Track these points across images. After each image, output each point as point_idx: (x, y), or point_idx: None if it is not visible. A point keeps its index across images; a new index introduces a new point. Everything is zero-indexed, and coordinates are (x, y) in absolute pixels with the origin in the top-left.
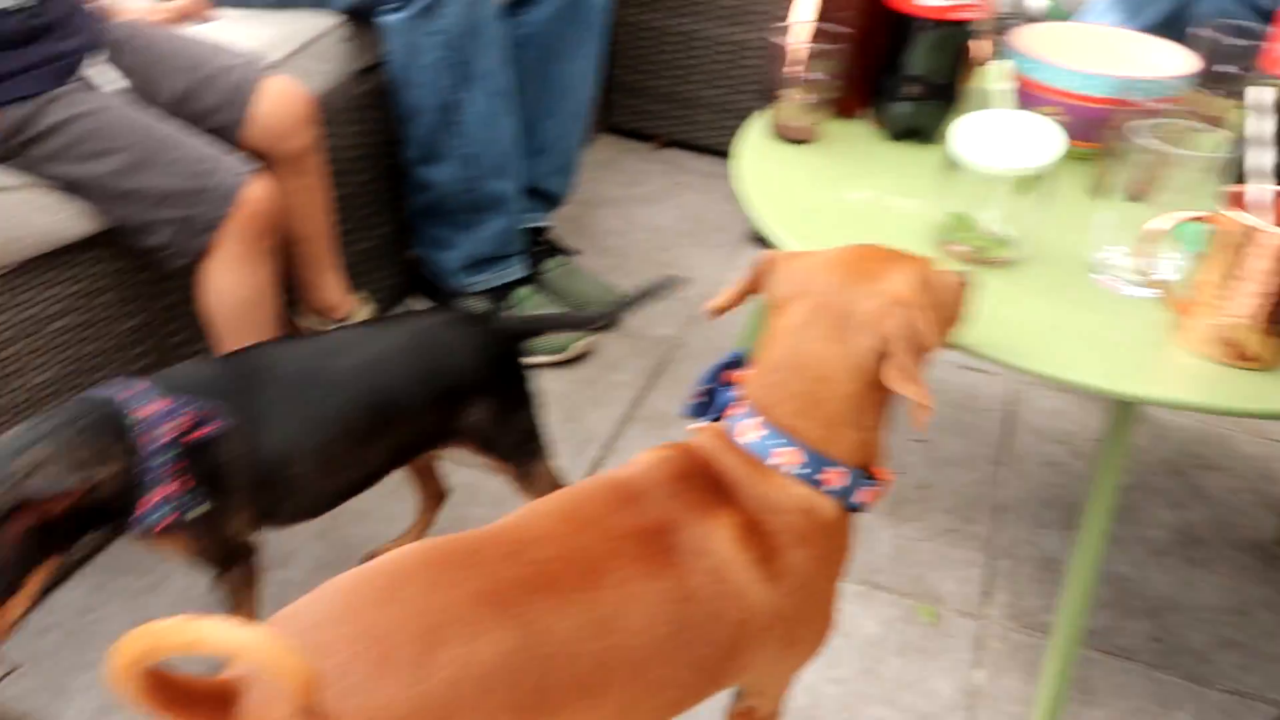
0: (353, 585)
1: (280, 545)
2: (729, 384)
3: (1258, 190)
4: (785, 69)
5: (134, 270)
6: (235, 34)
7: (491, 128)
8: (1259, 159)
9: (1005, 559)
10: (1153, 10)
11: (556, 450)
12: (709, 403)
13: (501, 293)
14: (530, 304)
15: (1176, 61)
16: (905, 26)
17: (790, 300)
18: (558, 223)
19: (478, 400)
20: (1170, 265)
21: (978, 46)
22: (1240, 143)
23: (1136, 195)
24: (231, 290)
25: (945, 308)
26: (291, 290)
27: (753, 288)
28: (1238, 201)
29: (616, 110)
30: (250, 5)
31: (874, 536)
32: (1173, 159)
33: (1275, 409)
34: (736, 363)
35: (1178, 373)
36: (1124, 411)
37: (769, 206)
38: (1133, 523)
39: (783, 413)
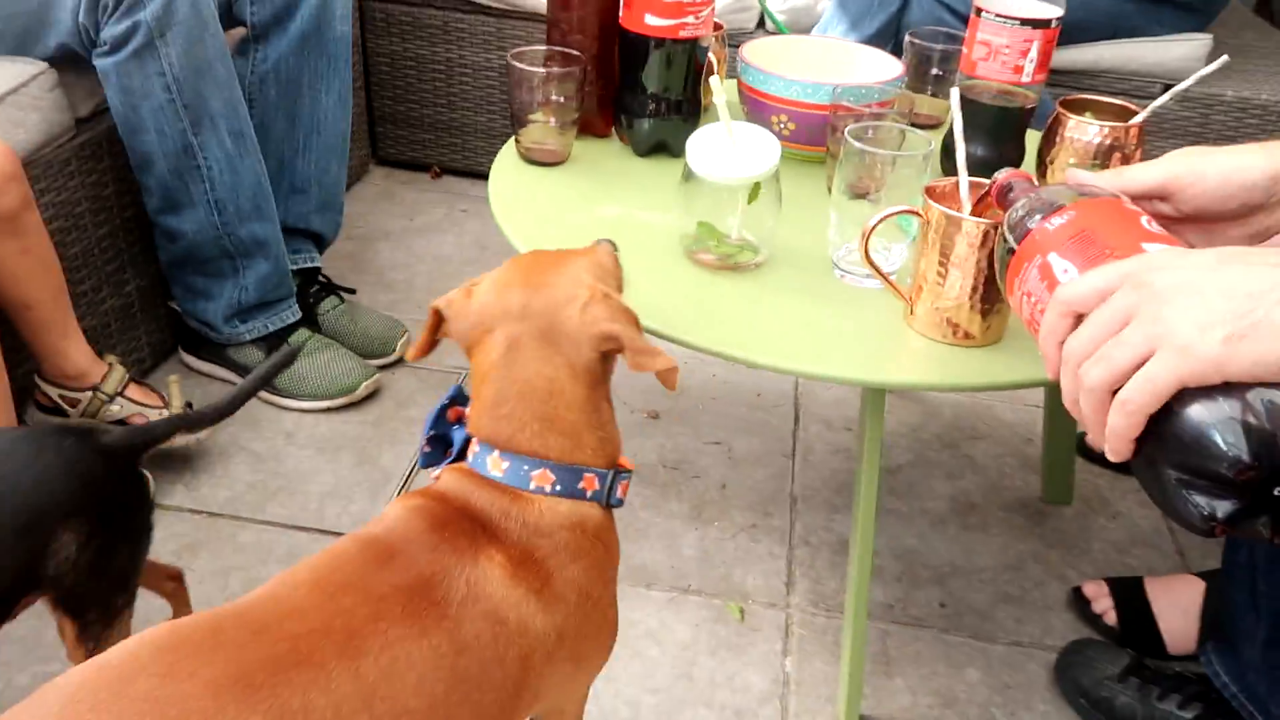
0: (76, 685)
1: (44, 639)
2: (458, 421)
3: (961, 182)
4: (528, 93)
5: None
6: None
7: (236, 170)
8: (959, 153)
9: (803, 547)
10: (871, 23)
11: (353, 495)
12: (443, 446)
13: (276, 339)
14: (309, 348)
15: (887, 68)
16: (637, 45)
17: (483, 335)
18: (335, 261)
19: (66, 536)
20: (898, 255)
21: (709, 61)
22: (947, 139)
23: (860, 194)
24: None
25: (618, 281)
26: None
27: (439, 332)
28: (939, 195)
29: (386, 142)
30: None
31: (680, 541)
32: (883, 159)
33: (994, 380)
34: (459, 398)
35: (911, 357)
36: (874, 398)
37: (522, 230)
38: (914, 497)
39: (523, 440)
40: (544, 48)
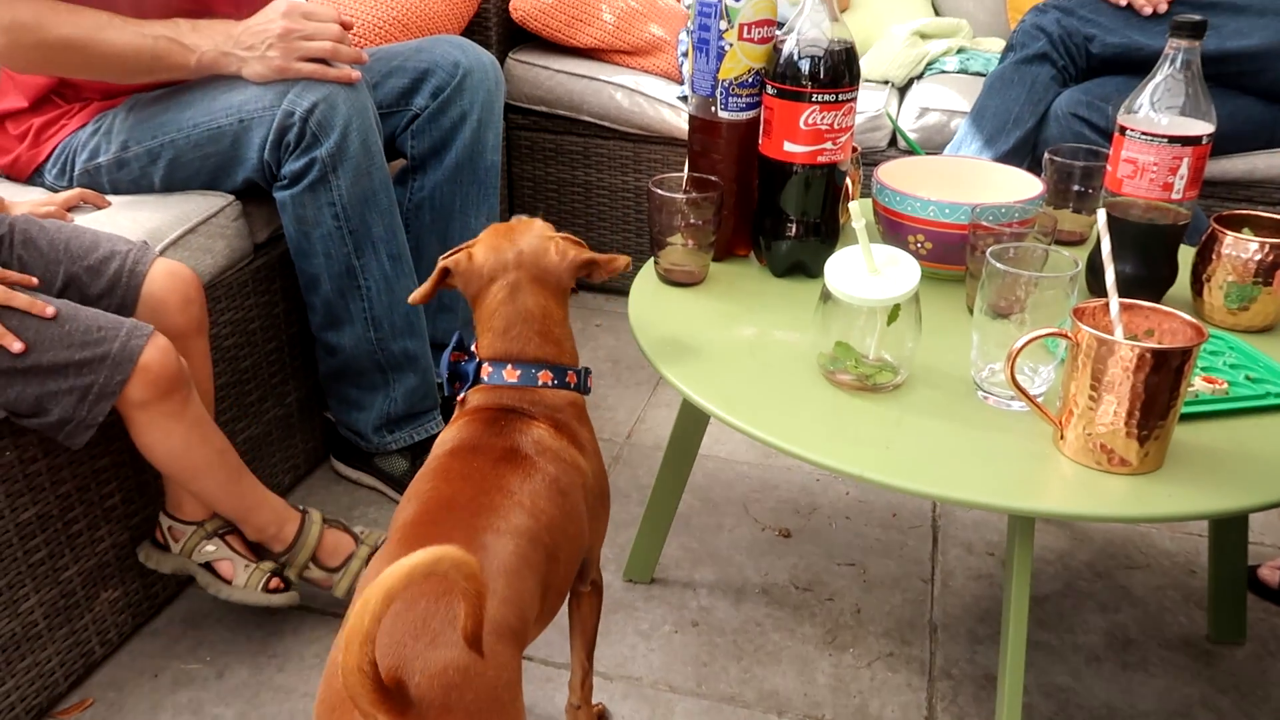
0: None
1: None
2: (462, 359)
3: (1111, 303)
4: (668, 218)
5: (25, 461)
6: (127, 220)
7: (392, 290)
8: (1108, 274)
9: (945, 680)
10: (1006, 140)
11: None
12: (459, 380)
13: (420, 449)
14: None
15: (1026, 186)
16: (776, 171)
17: (488, 284)
18: None
19: None
20: (1045, 378)
21: (847, 183)
22: (1092, 257)
23: (1002, 314)
24: (157, 445)
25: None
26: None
27: (442, 283)
28: (1088, 316)
29: None
30: (142, 191)
31: (812, 667)
32: (1026, 279)
33: (1155, 512)
34: (459, 345)
35: (1062, 483)
36: (1023, 525)
37: (659, 348)
38: (1065, 630)
39: (528, 352)
40: (683, 174)
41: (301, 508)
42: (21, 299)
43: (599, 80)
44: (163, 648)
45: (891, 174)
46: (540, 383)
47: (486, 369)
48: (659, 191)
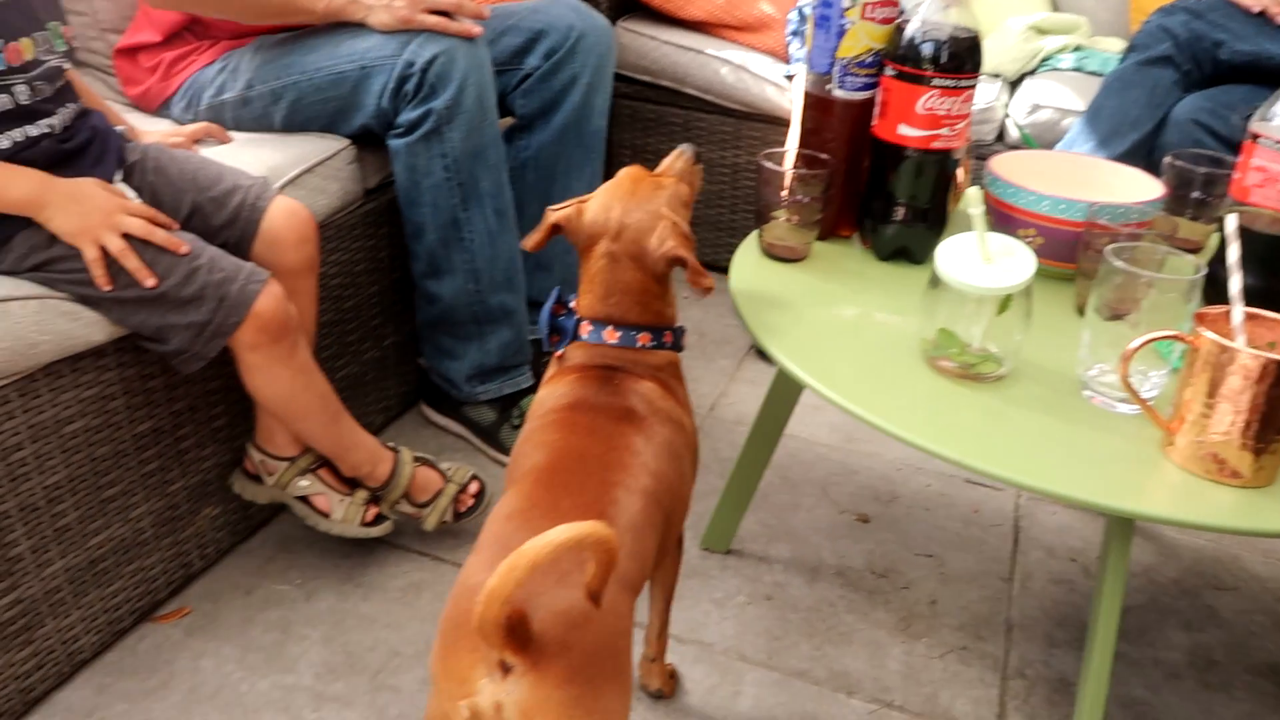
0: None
1: (286, 650)
2: (562, 314)
3: (1235, 312)
4: (775, 192)
5: (145, 377)
6: (248, 156)
7: (494, 244)
8: (1234, 282)
9: (1018, 679)
10: (1121, 142)
11: None
12: (560, 335)
13: (509, 402)
14: None
15: (1144, 188)
16: (888, 154)
17: (591, 245)
18: None
19: None
20: (1155, 382)
21: (958, 172)
22: (1213, 265)
23: (1116, 314)
24: (264, 388)
25: (692, 195)
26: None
27: (553, 232)
28: (1209, 322)
29: None
30: (263, 130)
31: (883, 652)
32: (1147, 281)
33: (1266, 526)
34: (560, 300)
35: (1167, 489)
36: (1121, 528)
37: (762, 322)
38: (1146, 644)
39: (628, 318)
40: (796, 149)
41: (392, 445)
42: (160, 235)
43: (705, 54)
44: (256, 567)
45: (1005, 166)
46: (639, 344)
47: (586, 327)
48: (769, 165)
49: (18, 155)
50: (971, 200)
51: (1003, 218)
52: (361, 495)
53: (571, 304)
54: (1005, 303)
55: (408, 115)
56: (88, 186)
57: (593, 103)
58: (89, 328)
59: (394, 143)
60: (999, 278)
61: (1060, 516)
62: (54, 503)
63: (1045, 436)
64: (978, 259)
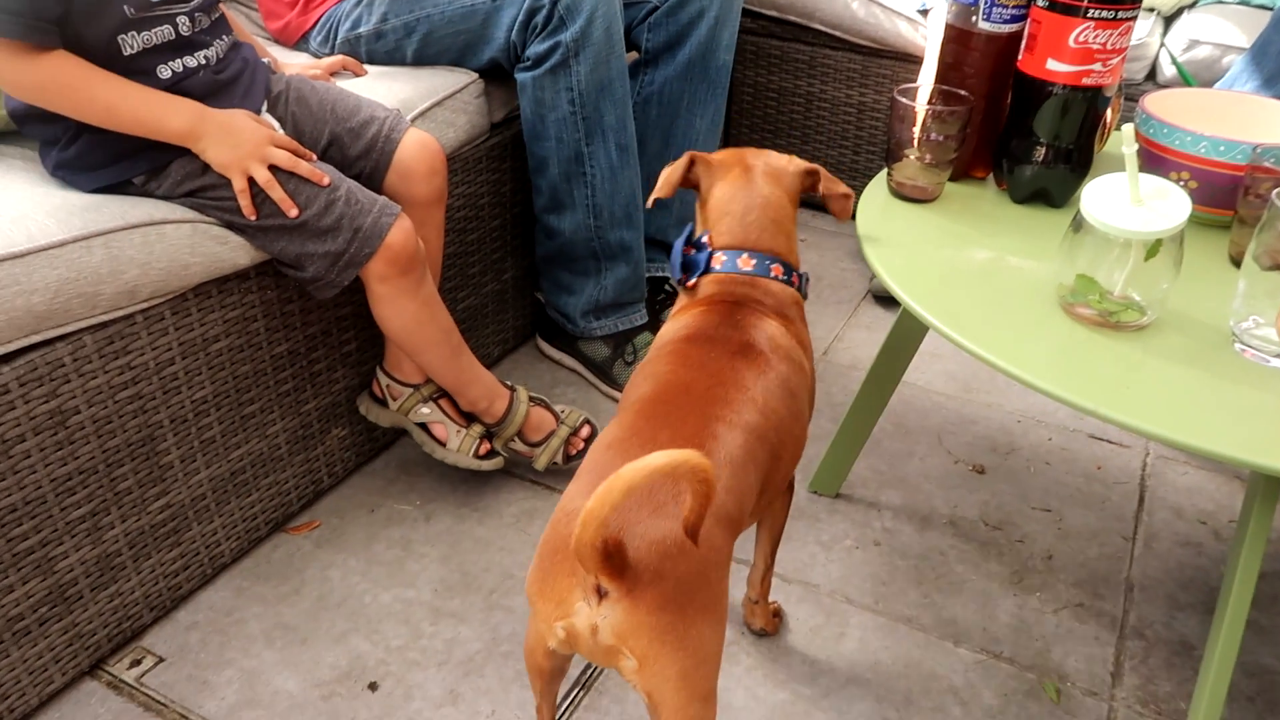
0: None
1: (406, 566)
2: (694, 251)
3: None
4: (908, 129)
5: (283, 301)
6: (382, 89)
7: (615, 179)
8: None
9: (1137, 639)
10: None
11: None
12: (690, 269)
13: (623, 339)
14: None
15: None
16: (1032, 90)
17: (725, 174)
18: None
19: None
20: None
21: (1106, 112)
22: None
23: (1276, 264)
24: (391, 318)
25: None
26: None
27: (681, 181)
28: None
29: None
30: (395, 63)
31: (994, 604)
32: None
33: None
34: (690, 238)
35: None
36: (1267, 487)
37: (890, 263)
38: (1278, 612)
39: (764, 241)
40: (914, 84)
41: (509, 384)
42: (305, 167)
43: None
44: (379, 487)
45: (1160, 104)
46: (772, 274)
47: (720, 257)
48: (903, 100)
49: (177, 85)
50: (1125, 139)
51: (1154, 160)
52: (477, 429)
53: (703, 239)
54: (1154, 248)
55: (536, 48)
56: (240, 119)
57: (719, 37)
58: (235, 251)
59: (521, 76)
60: (1149, 221)
61: (1191, 477)
62: (200, 416)
63: (1189, 389)
64: (1127, 201)
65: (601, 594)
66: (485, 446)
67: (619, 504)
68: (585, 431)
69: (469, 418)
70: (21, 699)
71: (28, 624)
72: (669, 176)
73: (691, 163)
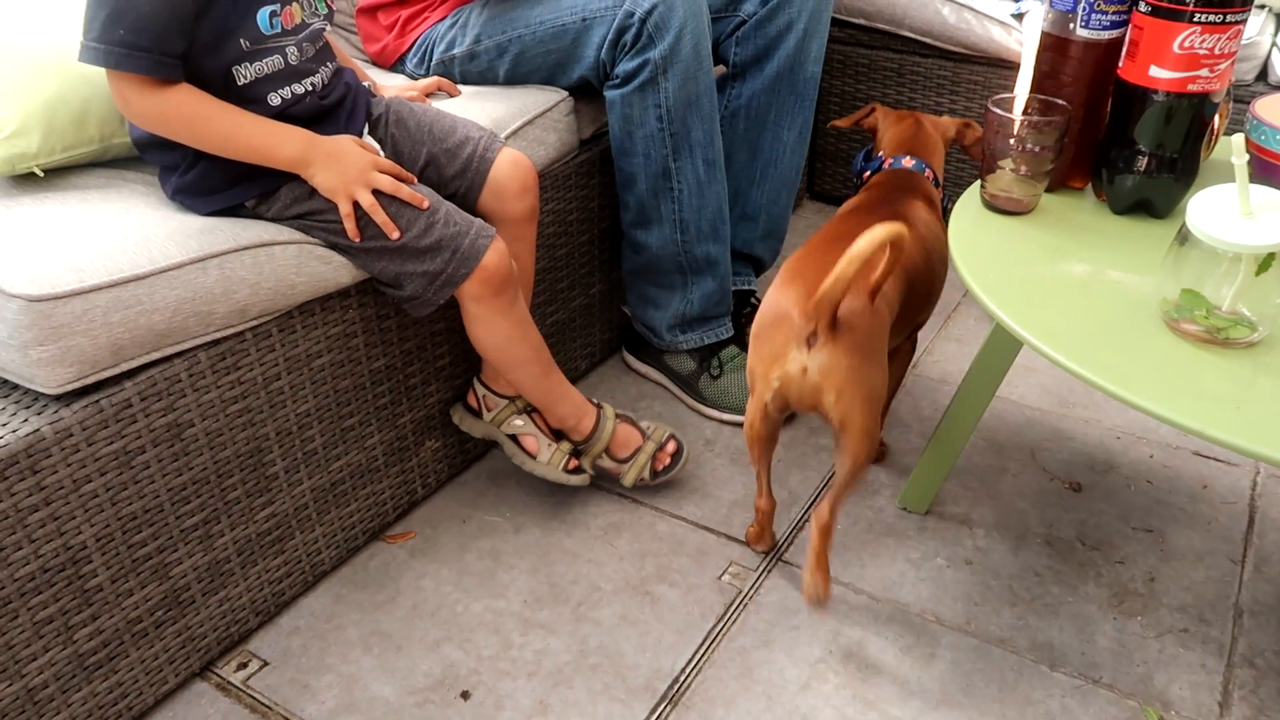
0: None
1: (497, 577)
2: (869, 161)
3: None
4: (1003, 140)
5: (381, 318)
6: (475, 108)
7: (703, 194)
8: None
9: (1246, 668)
10: None
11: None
12: (866, 168)
13: (708, 352)
14: (735, 364)
15: None
16: (1134, 97)
17: (899, 120)
18: (766, 286)
19: None
20: None
21: (1214, 118)
22: None
23: None
24: (484, 337)
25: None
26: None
27: (860, 123)
28: None
29: (824, 178)
30: (488, 83)
31: (1093, 627)
32: None
33: None
34: (865, 156)
35: None
36: None
37: (983, 277)
38: None
39: (918, 152)
40: (1009, 95)
41: (596, 402)
42: (406, 191)
43: None
44: (470, 498)
45: (1272, 108)
46: (926, 173)
47: (889, 160)
48: (998, 112)
49: (286, 111)
50: (1235, 148)
51: (1266, 168)
52: (566, 445)
53: (879, 156)
54: (1266, 262)
55: (625, 66)
56: (345, 144)
57: (808, 49)
58: (338, 271)
59: (610, 94)
60: (1261, 234)
61: None
62: (304, 429)
63: None
64: (1236, 213)
65: (811, 344)
66: (573, 463)
67: (857, 269)
68: (671, 447)
69: (558, 435)
70: (139, 697)
71: (145, 626)
72: (853, 115)
73: (872, 109)
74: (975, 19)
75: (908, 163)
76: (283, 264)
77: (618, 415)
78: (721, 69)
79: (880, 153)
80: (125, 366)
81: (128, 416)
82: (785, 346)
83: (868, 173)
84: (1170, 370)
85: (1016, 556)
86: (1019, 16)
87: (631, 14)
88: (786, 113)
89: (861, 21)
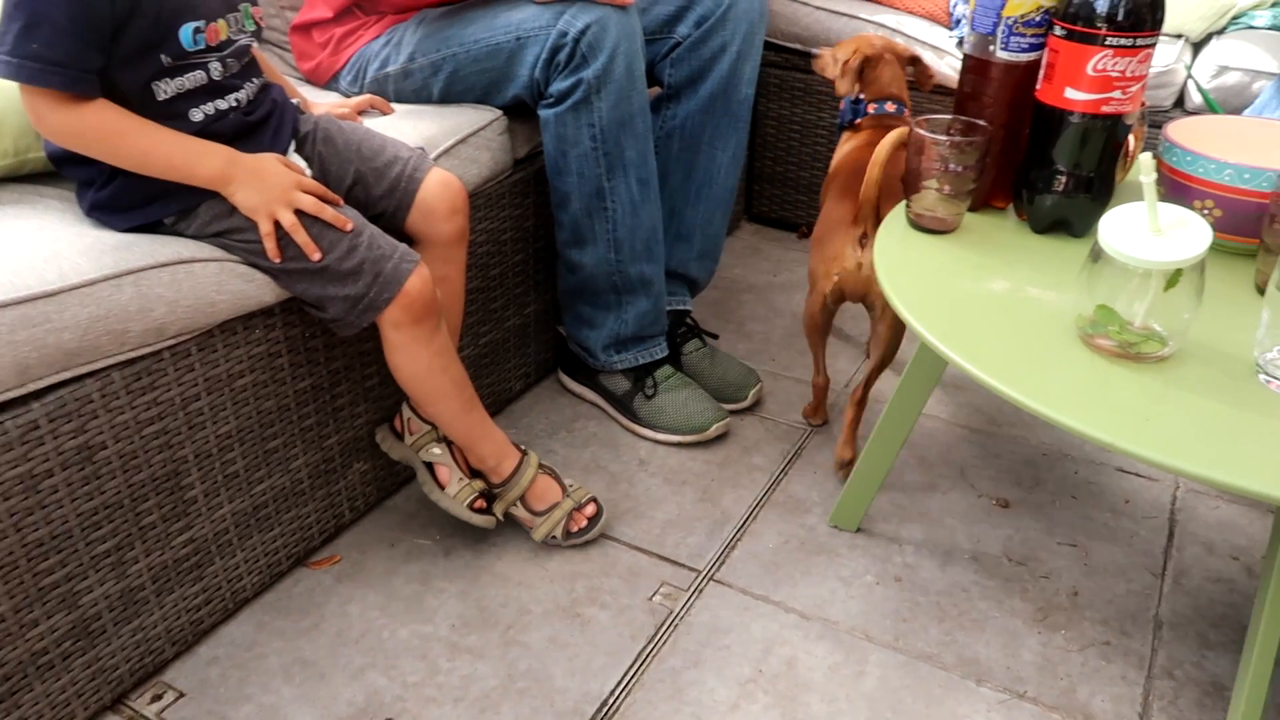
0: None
1: (425, 601)
2: (855, 106)
3: None
4: (926, 160)
5: (307, 337)
6: (408, 127)
7: (637, 214)
8: None
9: (1166, 679)
10: None
11: (693, 528)
12: (855, 113)
13: (644, 372)
14: (670, 384)
15: None
16: (1051, 119)
17: (875, 68)
18: (702, 307)
19: None
20: None
21: (1128, 139)
22: None
23: None
24: (404, 366)
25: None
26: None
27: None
28: None
29: (761, 200)
30: (422, 101)
31: (1018, 642)
32: None
33: None
34: (850, 109)
35: None
36: None
37: (908, 295)
38: None
39: (897, 93)
40: (947, 116)
41: (523, 448)
42: (329, 213)
43: (859, 19)
44: (400, 521)
45: (1183, 132)
46: (905, 114)
47: (872, 106)
48: (921, 132)
49: (208, 128)
50: (1143, 168)
51: (1177, 188)
52: (479, 484)
53: (861, 99)
54: (1174, 278)
55: (559, 85)
56: (268, 163)
57: (741, 71)
58: (261, 289)
59: (544, 113)
60: (1169, 251)
61: (1223, 511)
62: (224, 451)
63: (1212, 422)
64: (1146, 230)
65: (863, 243)
66: (480, 503)
67: (884, 163)
68: (590, 510)
69: (477, 474)
70: None
71: (51, 658)
72: (846, 78)
73: (856, 63)
74: (906, 45)
75: (890, 108)
76: (203, 282)
77: (541, 466)
78: (656, 90)
79: (863, 95)
80: (32, 387)
81: (34, 439)
82: (843, 248)
83: (856, 118)
84: (1085, 384)
85: (945, 573)
86: (960, 42)
87: (565, 34)
88: (721, 134)
89: (797, 45)
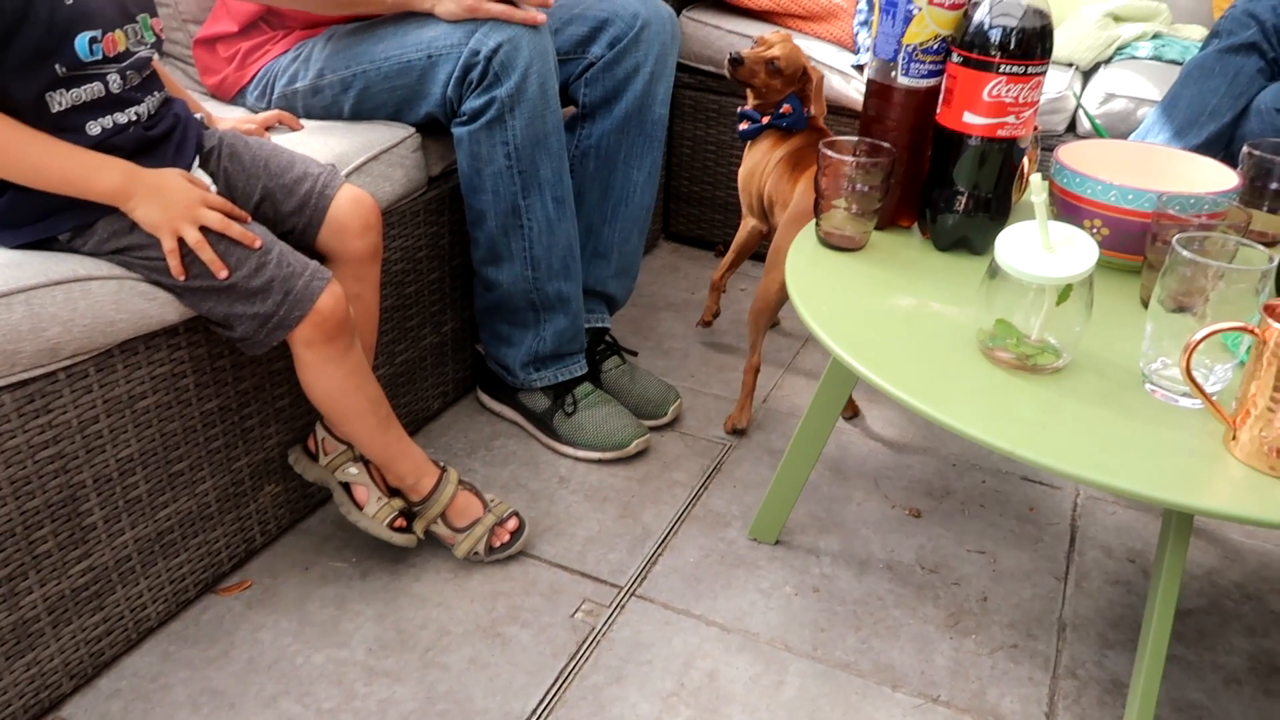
0: None
1: (341, 625)
2: (753, 121)
3: None
4: (834, 180)
5: (214, 357)
6: (318, 143)
7: (553, 232)
8: None
9: (1069, 679)
10: (1198, 134)
11: (614, 544)
12: (757, 125)
13: (563, 389)
14: (590, 401)
15: (1218, 178)
16: (951, 142)
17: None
18: (621, 324)
19: None
20: (1219, 377)
21: (1023, 162)
22: None
23: (1181, 307)
24: (316, 385)
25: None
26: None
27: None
28: (1279, 313)
29: (678, 219)
30: (331, 118)
31: (931, 647)
32: (1215, 272)
33: None
34: (749, 114)
35: (1229, 484)
36: (1179, 524)
37: (818, 311)
38: (1205, 648)
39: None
40: (853, 138)
41: (442, 464)
42: (236, 229)
43: None
44: (314, 544)
45: (1073, 155)
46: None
47: (787, 107)
48: (828, 153)
49: (106, 142)
50: (1035, 188)
51: (1068, 208)
52: (398, 502)
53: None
54: (1065, 293)
55: (472, 103)
56: (170, 178)
57: (655, 92)
58: (164, 308)
59: (458, 130)
60: (1059, 267)
61: (1120, 516)
62: (126, 475)
63: (1103, 429)
64: (1038, 248)
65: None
66: (400, 521)
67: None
68: (512, 524)
69: (395, 492)
70: None
71: None
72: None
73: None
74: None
75: (787, 110)
76: (100, 300)
77: (461, 482)
78: (572, 109)
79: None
80: None
81: None
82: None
83: (785, 124)
84: (985, 395)
85: (861, 582)
86: (860, 68)
87: (477, 52)
88: (636, 153)
89: (711, 68)
